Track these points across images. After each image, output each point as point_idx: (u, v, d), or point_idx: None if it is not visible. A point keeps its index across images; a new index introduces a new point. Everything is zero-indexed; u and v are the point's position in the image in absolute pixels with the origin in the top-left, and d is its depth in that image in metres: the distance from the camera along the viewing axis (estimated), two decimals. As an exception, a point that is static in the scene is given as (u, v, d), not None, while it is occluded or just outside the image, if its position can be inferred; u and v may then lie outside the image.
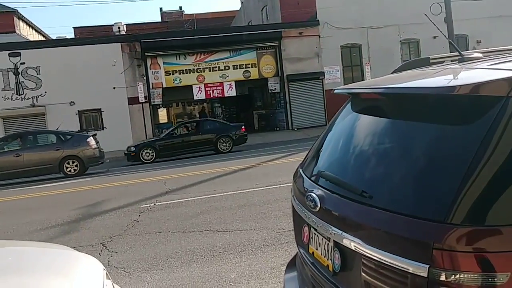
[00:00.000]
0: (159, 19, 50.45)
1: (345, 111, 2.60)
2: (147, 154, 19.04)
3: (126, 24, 31.70)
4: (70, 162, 16.37)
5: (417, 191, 1.74)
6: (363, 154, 2.19)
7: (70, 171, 16.36)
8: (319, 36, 28.51)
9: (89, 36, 30.93)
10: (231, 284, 4.62)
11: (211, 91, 27.46)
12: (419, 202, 1.70)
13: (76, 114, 26.82)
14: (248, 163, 13.81)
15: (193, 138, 19.74)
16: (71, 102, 26.62)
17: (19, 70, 26.41)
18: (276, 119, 30.01)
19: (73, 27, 40.52)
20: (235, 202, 8.27)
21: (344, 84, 21.28)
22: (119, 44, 27.15)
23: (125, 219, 7.87)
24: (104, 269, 2.57)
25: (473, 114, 1.69)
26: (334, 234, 2.03)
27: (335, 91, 2.68)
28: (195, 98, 27.82)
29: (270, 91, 28.84)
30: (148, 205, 8.83)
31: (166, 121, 31.82)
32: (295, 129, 27.76)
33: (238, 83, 28.19)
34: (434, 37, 25.21)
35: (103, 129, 27.00)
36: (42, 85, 26.56)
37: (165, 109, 31.70)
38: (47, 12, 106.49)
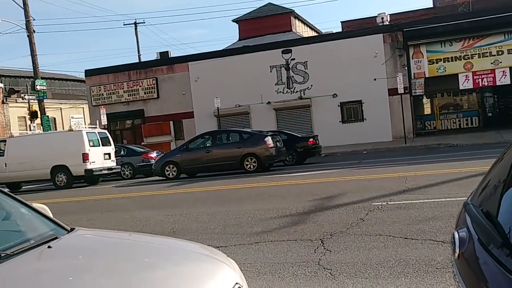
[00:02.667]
0: (430, 5, 48.03)
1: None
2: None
3: (390, 14, 31.05)
4: (249, 159, 17.33)
5: None
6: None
7: (249, 167, 17.32)
8: None
9: (354, 29, 31.47)
10: (434, 310, 3.98)
11: (480, 80, 24.81)
12: None
13: (338, 106, 27.75)
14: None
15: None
16: (334, 94, 27.65)
17: (290, 66, 28.69)
18: None
19: (341, 21, 41.89)
20: (475, 209, 7.20)
21: None
22: (381, 35, 26.91)
23: (352, 216, 7.68)
24: (237, 284, 2.47)
25: None
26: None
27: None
28: (461, 87, 25.55)
29: (557, 78, 24.43)
30: (380, 203, 8.43)
31: (429, 113, 30.20)
32: None
33: (514, 69, 24.74)
34: None
35: (363, 120, 27.29)
36: (309, 79, 28.30)
37: (428, 100, 30.07)
38: (319, 8, 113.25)
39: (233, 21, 44.23)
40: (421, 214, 7.31)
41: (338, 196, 9.65)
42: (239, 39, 42.49)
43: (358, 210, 8.08)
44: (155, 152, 23.05)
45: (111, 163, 20.23)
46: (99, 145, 19.68)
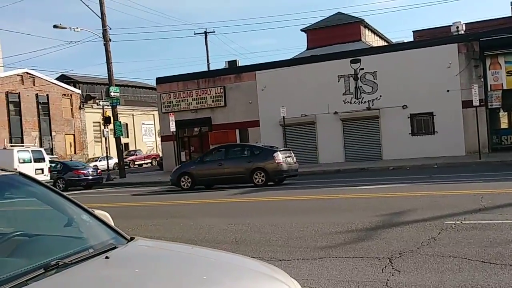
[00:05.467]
0: (509, 14, 45.68)
1: None
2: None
3: (466, 23, 29.79)
4: (258, 174, 17.96)
5: None
6: None
7: (258, 181, 17.94)
8: None
9: (427, 38, 30.43)
10: None
11: None
12: None
13: (408, 117, 26.87)
14: None
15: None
16: (404, 105, 26.81)
17: (358, 76, 28.14)
18: None
19: (412, 31, 40.70)
20: (563, 234, 6.59)
21: None
22: (456, 44, 25.82)
23: (422, 235, 7.27)
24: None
25: None
26: None
27: None
28: (543, 101, 23.98)
29: None
30: (453, 222, 7.93)
31: (507, 127, 28.51)
32: None
33: None
34: None
35: (434, 133, 26.28)
36: (378, 89, 27.62)
37: (506, 114, 28.40)
38: (390, 18, 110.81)
39: (302, 30, 44.24)
40: (499, 236, 6.79)
41: (408, 212, 9.22)
42: (307, 49, 42.37)
43: (429, 228, 7.65)
44: (90, 168, 26.25)
45: (44, 177, 22.87)
46: (31, 162, 22.67)
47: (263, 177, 17.93)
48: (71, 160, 31.42)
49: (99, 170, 27.20)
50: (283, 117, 25.59)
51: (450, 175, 16.83)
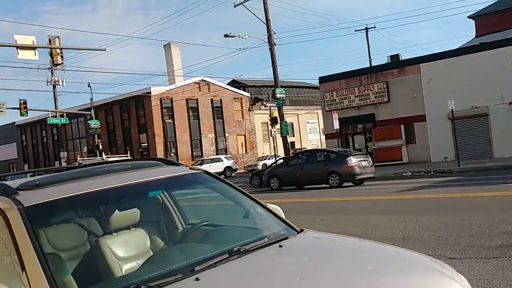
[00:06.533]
0: None
1: None
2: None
3: None
4: (333, 176, 19.62)
5: None
6: None
7: (333, 183, 19.65)
8: None
9: None
10: None
11: None
12: None
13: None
14: None
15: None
16: (510, 102, 23.88)
17: None
18: None
19: None
20: None
21: None
22: None
23: None
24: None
25: None
26: None
27: None
28: None
29: None
30: None
31: None
32: None
33: None
34: None
35: None
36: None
37: None
38: None
39: (469, 17, 41.27)
40: None
41: None
42: (476, 36, 39.40)
43: None
44: None
45: None
46: None
47: (337, 179, 19.55)
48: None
49: None
50: (452, 110, 24.27)
51: None
